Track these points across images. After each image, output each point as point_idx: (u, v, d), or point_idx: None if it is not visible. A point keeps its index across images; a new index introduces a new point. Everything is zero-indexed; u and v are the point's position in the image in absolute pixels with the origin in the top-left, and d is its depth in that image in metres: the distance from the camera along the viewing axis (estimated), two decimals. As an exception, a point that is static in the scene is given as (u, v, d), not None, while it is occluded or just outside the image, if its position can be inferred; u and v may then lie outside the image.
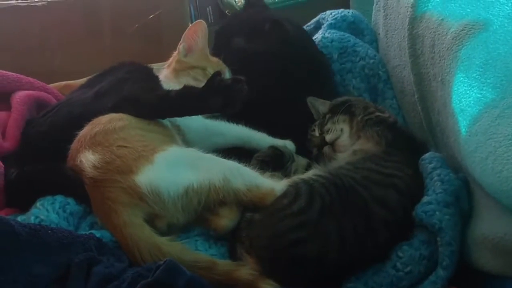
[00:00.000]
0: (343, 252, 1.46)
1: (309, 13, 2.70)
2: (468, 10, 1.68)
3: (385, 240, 1.52)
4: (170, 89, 1.83)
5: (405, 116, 2.20)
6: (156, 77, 2.04)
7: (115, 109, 1.76)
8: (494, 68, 1.45)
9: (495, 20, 1.55)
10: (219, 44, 2.25)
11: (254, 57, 2.17)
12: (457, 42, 1.61)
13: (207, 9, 3.24)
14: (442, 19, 1.78)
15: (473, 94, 1.46)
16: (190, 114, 1.79)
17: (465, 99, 1.49)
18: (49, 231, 1.38)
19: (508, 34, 1.50)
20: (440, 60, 1.72)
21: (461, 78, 1.53)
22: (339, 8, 2.61)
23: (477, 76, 1.48)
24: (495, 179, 1.26)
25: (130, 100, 1.78)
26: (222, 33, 2.31)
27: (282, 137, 1.99)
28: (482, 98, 1.43)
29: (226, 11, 3.18)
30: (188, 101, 1.74)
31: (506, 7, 1.56)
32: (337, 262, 1.46)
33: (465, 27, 1.61)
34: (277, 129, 1.99)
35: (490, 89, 1.42)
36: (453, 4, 1.77)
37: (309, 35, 2.45)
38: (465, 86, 1.50)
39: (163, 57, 2.41)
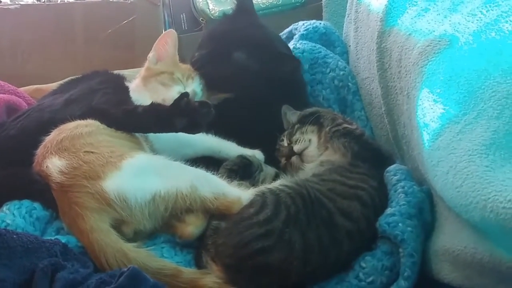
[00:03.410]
0: (307, 261, 1.47)
1: (281, 23, 2.71)
2: (435, 26, 1.71)
3: (349, 251, 1.53)
4: (138, 104, 1.86)
5: (373, 128, 2.22)
6: (126, 89, 2.05)
7: (82, 118, 1.76)
8: (457, 84, 1.46)
9: (461, 37, 1.57)
10: (217, 52, 2.20)
11: (249, 75, 2.16)
12: (423, 57, 1.63)
13: (181, 16, 3.25)
14: (409, 34, 1.80)
15: (437, 109, 1.48)
16: (155, 132, 1.81)
17: (429, 113, 1.50)
18: (14, 236, 1.38)
19: (473, 51, 1.51)
20: (406, 74, 1.75)
21: (426, 93, 1.54)
22: (312, 19, 2.62)
23: (441, 92, 1.49)
24: (455, 193, 1.27)
25: (97, 112, 1.79)
26: (221, 39, 2.25)
27: (252, 147, 2.01)
28: (445, 114, 1.44)
29: (200, 19, 3.18)
30: (153, 119, 1.76)
31: (471, 24, 1.58)
32: (301, 271, 1.47)
33: (431, 43, 1.63)
34: (247, 139, 2.01)
35: (453, 105, 1.44)
36: (420, 20, 1.79)
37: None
38: (429, 101, 1.51)
39: (136, 63, 2.41)
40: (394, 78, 1.89)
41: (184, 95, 1.73)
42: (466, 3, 1.67)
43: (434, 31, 1.69)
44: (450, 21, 1.67)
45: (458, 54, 1.55)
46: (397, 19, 1.92)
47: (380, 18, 1.99)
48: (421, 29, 1.76)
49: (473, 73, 1.46)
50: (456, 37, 1.59)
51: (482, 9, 1.59)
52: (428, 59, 1.61)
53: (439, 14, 1.75)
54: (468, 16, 1.61)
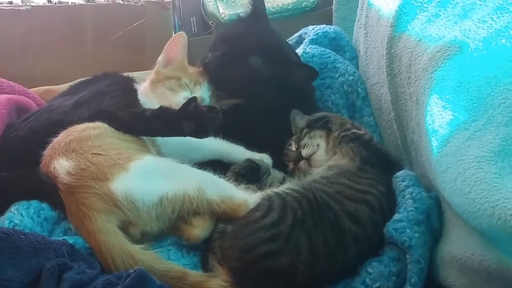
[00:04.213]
0: (313, 265, 1.47)
1: (291, 27, 2.71)
2: (445, 32, 1.71)
3: (355, 256, 1.53)
4: (147, 107, 1.87)
5: (382, 134, 2.22)
6: (135, 92, 2.06)
7: (91, 120, 1.77)
8: (467, 91, 1.46)
9: (471, 43, 1.57)
10: (232, 54, 2.18)
11: (261, 81, 2.15)
12: (432, 63, 1.63)
13: (191, 19, 3.26)
14: (419, 40, 1.80)
15: (446, 115, 1.47)
16: (162, 135, 1.82)
17: (438, 120, 1.50)
18: (22, 236, 1.38)
19: (483, 57, 1.51)
20: (416, 80, 1.75)
21: (435, 99, 1.54)
22: (322, 24, 2.62)
23: (450, 98, 1.49)
24: (463, 200, 1.27)
25: (105, 115, 1.79)
26: (236, 42, 2.23)
27: (260, 151, 2.01)
28: (454, 120, 1.44)
29: (210, 22, 3.19)
30: (161, 123, 1.76)
31: (482, 30, 1.58)
32: (307, 276, 1.46)
33: (441, 49, 1.63)
34: (255, 143, 2.00)
35: (462, 111, 1.44)
36: (430, 26, 1.80)
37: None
38: (439, 107, 1.51)
39: (145, 66, 2.42)
40: (403, 83, 1.89)
41: (193, 99, 1.74)
42: (477, 9, 1.67)
43: (444, 37, 1.69)
44: (460, 27, 1.67)
45: (468, 60, 1.55)
46: (407, 24, 1.92)
47: (390, 24, 1.99)
48: (431, 35, 1.76)
49: (482, 80, 1.45)
50: (466, 43, 1.59)
51: (493, 15, 1.59)
52: (437, 65, 1.61)
53: (450, 20, 1.75)
54: (478, 22, 1.61)
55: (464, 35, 1.62)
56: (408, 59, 1.83)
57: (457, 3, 1.76)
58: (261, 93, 2.13)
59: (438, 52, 1.64)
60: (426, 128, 1.57)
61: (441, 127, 1.48)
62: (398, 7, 1.98)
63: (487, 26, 1.58)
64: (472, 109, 1.42)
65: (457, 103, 1.47)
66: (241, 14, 2.45)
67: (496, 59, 1.48)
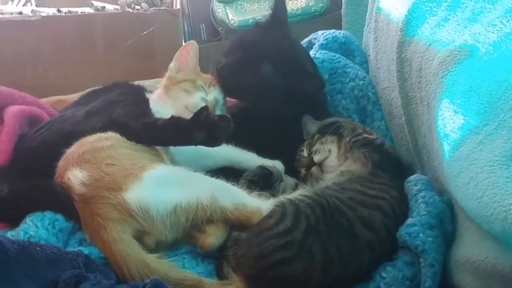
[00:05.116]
0: (327, 272, 1.47)
1: (301, 32, 2.71)
2: (455, 36, 1.71)
3: (369, 261, 1.53)
4: (159, 116, 1.89)
5: (393, 138, 2.21)
6: (147, 101, 2.06)
7: (103, 130, 1.78)
8: (478, 95, 1.46)
9: (481, 47, 1.57)
10: (245, 61, 2.19)
11: (272, 88, 2.16)
12: (443, 67, 1.63)
13: (201, 26, 3.27)
14: (429, 44, 1.80)
15: (457, 120, 1.47)
16: (174, 144, 1.83)
17: (449, 124, 1.50)
18: (38, 248, 1.39)
19: (493, 61, 1.51)
20: (426, 84, 1.75)
21: (446, 103, 1.54)
22: (331, 29, 2.62)
23: (461, 102, 1.49)
24: (476, 204, 1.27)
25: (117, 125, 1.80)
26: (251, 49, 2.23)
27: (272, 157, 2.01)
28: (466, 124, 1.44)
29: (220, 29, 3.21)
30: (173, 132, 1.77)
31: (492, 34, 1.57)
32: (321, 282, 1.46)
33: (452, 53, 1.63)
34: (267, 150, 2.01)
35: (473, 115, 1.44)
36: (440, 30, 1.79)
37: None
38: (450, 112, 1.51)
39: (156, 73, 2.42)
40: (414, 88, 1.89)
41: (204, 108, 1.74)
42: (486, 13, 1.67)
43: (454, 41, 1.69)
44: (470, 31, 1.66)
45: (478, 64, 1.55)
46: (417, 29, 1.92)
47: (400, 28, 1.99)
48: (441, 39, 1.76)
49: (493, 84, 1.45)
50: (476, 47, 1.59)
51: (503, 19, 1.59)
52: (448, 70, 1.61)
53: (459, 24, 1.75)
54: (488, 26, 1.61)
55: (474, 39, 1.61)
56: (418, 64, 1.83)
57: (467, 7, 1.76)
58: (272, 101, 2.14)
59: (448, 56, 1.64)
60: (437, 132, 1.57)
61: (453, 132, 1.48)
62: (408, 11, 1.98)
63: (497, 30, 1.58)
64: (483, 113, 1.42)
65: (468, 107, 1.47)
66: (260, 19, 2.45)
67: (507, 63, 1.48)
